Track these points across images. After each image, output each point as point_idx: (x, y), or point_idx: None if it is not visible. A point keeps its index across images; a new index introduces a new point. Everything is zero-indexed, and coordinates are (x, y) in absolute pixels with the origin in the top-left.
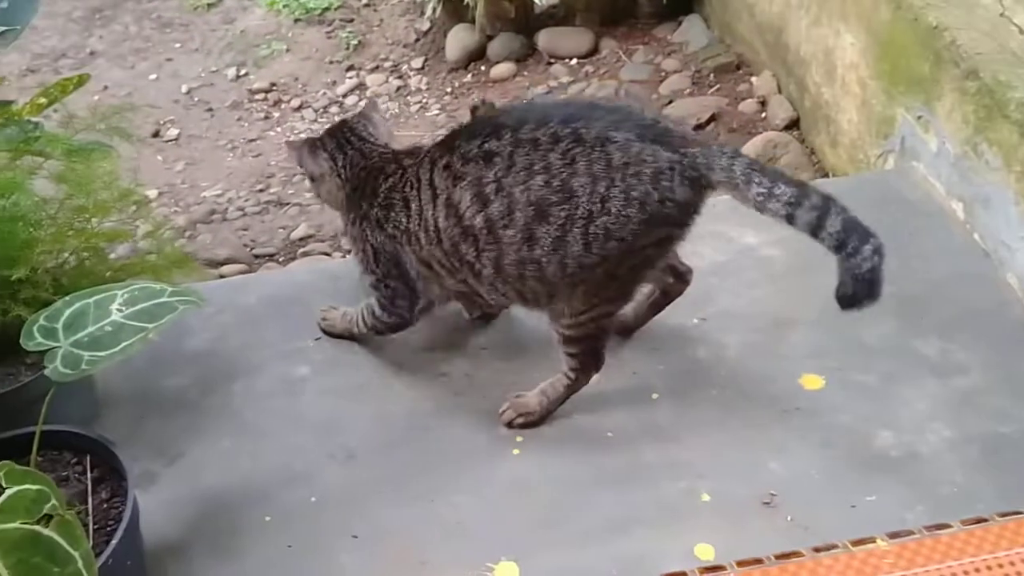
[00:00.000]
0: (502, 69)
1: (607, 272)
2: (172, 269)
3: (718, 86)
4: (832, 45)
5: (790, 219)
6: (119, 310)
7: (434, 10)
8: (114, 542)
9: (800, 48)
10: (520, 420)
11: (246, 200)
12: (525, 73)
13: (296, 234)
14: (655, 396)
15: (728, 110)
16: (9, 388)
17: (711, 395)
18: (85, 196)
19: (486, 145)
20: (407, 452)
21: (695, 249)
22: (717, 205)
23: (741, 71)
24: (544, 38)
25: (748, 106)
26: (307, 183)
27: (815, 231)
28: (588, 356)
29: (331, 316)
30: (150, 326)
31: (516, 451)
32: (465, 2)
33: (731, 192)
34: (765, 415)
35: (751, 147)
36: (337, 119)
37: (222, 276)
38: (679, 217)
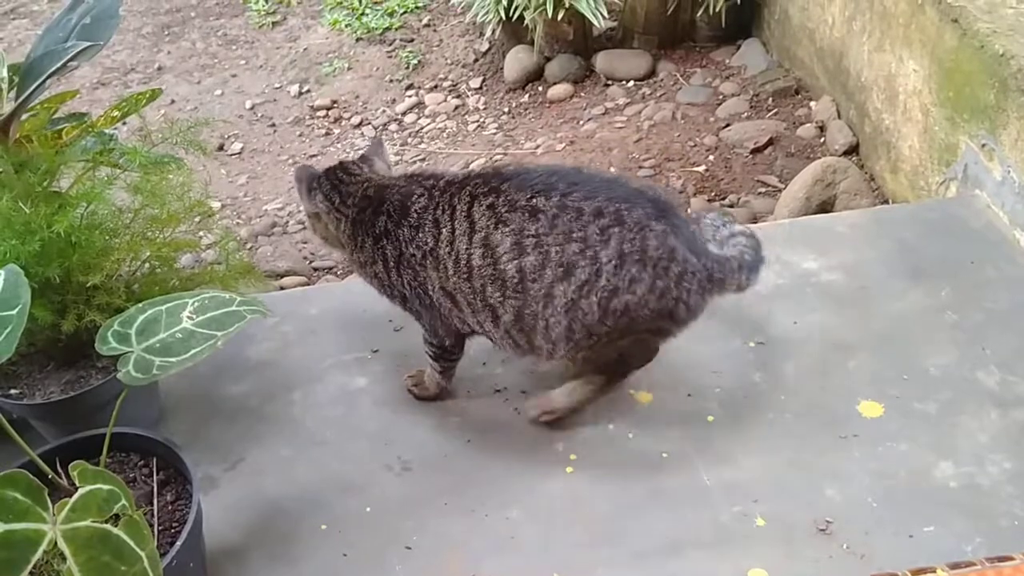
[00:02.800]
0: (559, 90)
1: (609, 341)
2: (237, 279)
3: (776, 110)
4: (894, 71)
5: None
6: (190, 318)
7: (493, 31)
8: (178, 544)
9: (861, 74)
10: (545, 417)
11: (301, 208)
12: (582, 94)
13: None
14: (711, 418)
15: (786, 134)
16: (82, 391)
17: (767, 418)
18: (159, 207)
19: (534, 201)
20: (462, 465)
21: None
22: (778, 235)
23: (800, 96)
24: (602, 60)
25: (806, 131)
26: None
27: None
28: (611, 368)
29: (418, 377)
30: (219, 334)
31: (569, 469)
32: (524, 24)
33: None
34: (822, 441)
35: (810, 172)
36: (395, 135)
37: (282, 288)
38: (684, 318)
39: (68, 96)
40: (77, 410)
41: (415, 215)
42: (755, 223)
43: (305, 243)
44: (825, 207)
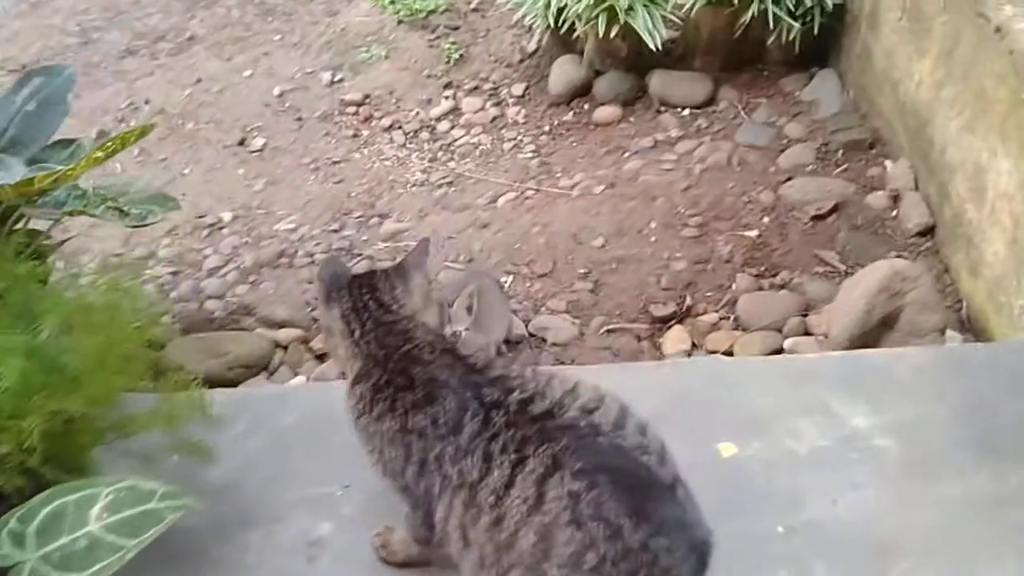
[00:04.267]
0: (606, 112)
1: None
2: (184, 416)
3: (846, 166)
4: (985, 164)
5: None
6: (100, 517)
7: (540, 40)
8: None
9: (946, 150)
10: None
11: (317, 243)
12: (631, 119)
13: None
14: None
15: (854, 200)
16: None
17: None
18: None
19: (622, 521)
20: None
21: (793, 426)
22: (826, 374)
23: (875, 151)
24: (657, 81)
25: (878, 200)
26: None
27: None
28: None
29: (389, 540)
30: (130, 543)
31: None
32: (574, 36)
33: None
34: None
35: (875, 278)
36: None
37: (277, 344)
38: None
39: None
40: None
41: (466, 431)
42: (804, 316)
43: (310, 283)
44: (888, 322)
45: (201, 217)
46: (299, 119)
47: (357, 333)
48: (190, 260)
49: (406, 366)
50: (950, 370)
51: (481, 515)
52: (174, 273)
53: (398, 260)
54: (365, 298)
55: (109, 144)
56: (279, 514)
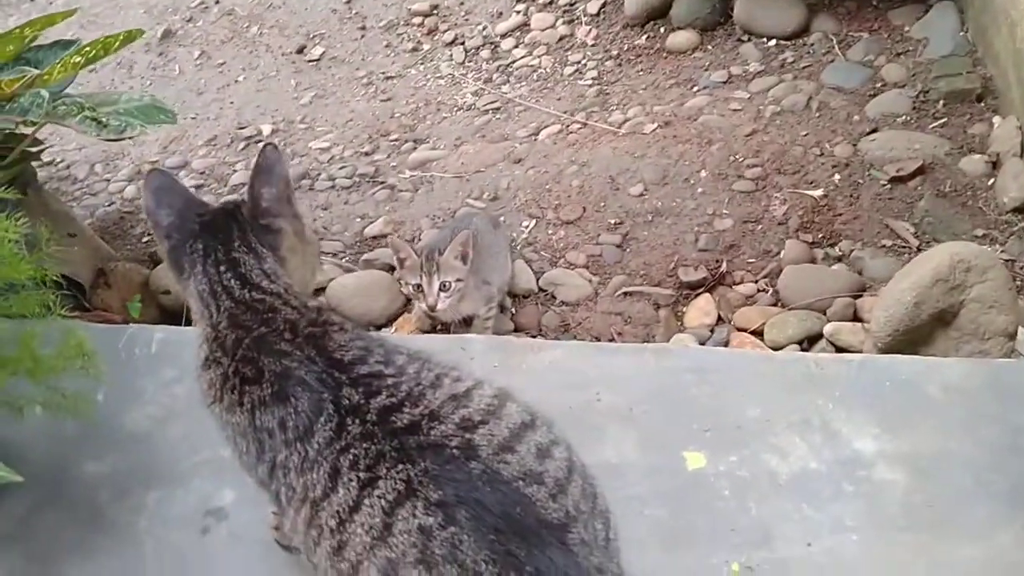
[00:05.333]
0: (682, 39)
1: None
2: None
3: (944, 120)
4: None
5: None
6: None
7: None
8: None
9: None
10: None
11: (343, 166)
12: (709, 47)
13: (371, 230)
14: None
15: (946, 162)
16: None
17: None
18: None
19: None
20: None
21: (780, 441)
22: (837, 381)
23: (982, 104)
24: (742, 5)
25: (974, 164)
26: None
27: None
28: None
29: (283, 522)
30: None
31: None
32: None
33: None
34: None
35: (930, 264)
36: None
37: None
38: None
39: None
40: None
41: (315, 439)
42: (856, 298)
43: (325, 209)
44: (945, 318)
45: (241, 128)
46: (363, 28)
47: (211, 314)
48: (218, 174)
49: (257, 356)
50: (994, 393)
51: (322, 538)
52: (198, 186)
53: (257, 193)
54: (226, 276)
55: (88, 49)
56: (184, 475)
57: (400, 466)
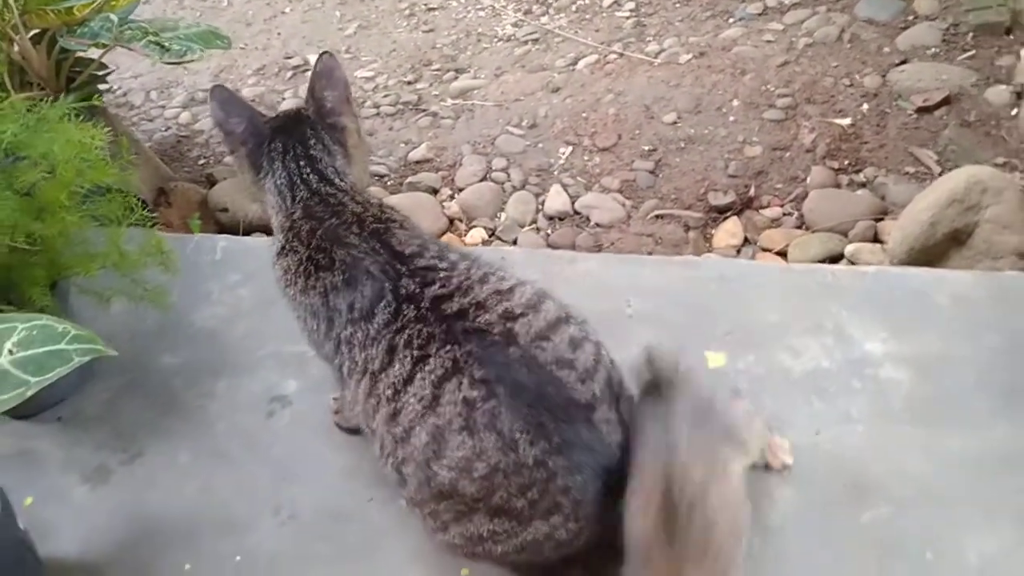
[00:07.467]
0: None
1: None
2: (143, 261)
3: (973, 52)
4: None
5: None
6: (11, 351)
7: None
8: None
9: None
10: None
11: (387, 94)
12: None
13: (414, 155)
14: None
15: (971, 93)
16: None
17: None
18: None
19: (518, 437)
20: (351, 532)
21: (796, 342)
22: (852, 290)
23: (1011, 37)
24: None
25: (999, 95)
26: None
27: None
28: None
29: (343, 406)
30: (32, 380)
31: (465, 571)
32: None
33: None
34: None
35: (946, 185)
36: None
37: None
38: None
39: None
40: None
41: (376, 320)
42: (878, 221)
43: (370, 135)
44: (959, 238)
45: (288, 58)
46: None
47: (288, 207)
48: (268, 101)
49: (330, 246)
50: (998, 302)
51: (380, 406)
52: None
53: (317, 101)
54: (304, 170)
55: None
56: (250, 366)
57: (448, 347)
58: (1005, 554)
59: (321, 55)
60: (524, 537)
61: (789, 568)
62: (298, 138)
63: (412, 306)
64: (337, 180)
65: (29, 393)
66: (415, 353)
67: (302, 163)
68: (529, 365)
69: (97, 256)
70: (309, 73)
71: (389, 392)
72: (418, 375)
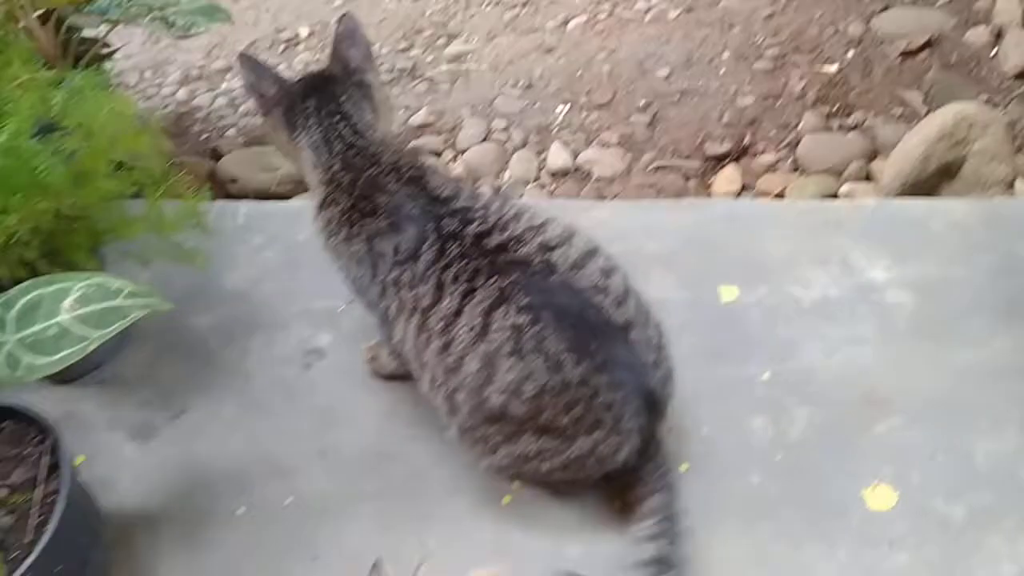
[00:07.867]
0: None
1: None
2: (181, 224)
3: None
4: None
5: None
6: (71, 308)
7: None
8: (30, 559)
9: None
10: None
11: (381, 63)
12: None
13: (415, 120)
14: (685, 467)
15: (952, 36)
16: None
17: (750, 483)
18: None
19: (563, 357)
20: (396, 468)
21: (804, 273)
22: (854, 223)
23: None
24: None
25: (978, 36)
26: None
27: None
28: None
29: (378, 354)
30: (93, 334)
31: (508, 499)
32: None
33: None
34: (803, 530)
35: (936, 123)
36: None
37: None
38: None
39: None
40: None
41: (422, 260)
42: (870, 161)
43: None
44: (950, 171)
45: (280, 31)
46: None
47: (325, 160)
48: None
49: (372, 193)
50: (991, 227)
51: (431, 340)
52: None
53: (342, 60)
54: (339, 125)
55: None
56: (283, 323)
57: (494, 278)
58: (1010, 454)
59: (342, 16)
60: (569, 454)
61: (812, 478)
62: (329, 96)
63: (456, 243)
64: (369, 132)
65: (91, 348)
66: (463, 287)
67: (336, 119)
68: (569, 291)
69: (136, 221)
70: (301, 47)
71: (440, 326)
72: (467, 307)
